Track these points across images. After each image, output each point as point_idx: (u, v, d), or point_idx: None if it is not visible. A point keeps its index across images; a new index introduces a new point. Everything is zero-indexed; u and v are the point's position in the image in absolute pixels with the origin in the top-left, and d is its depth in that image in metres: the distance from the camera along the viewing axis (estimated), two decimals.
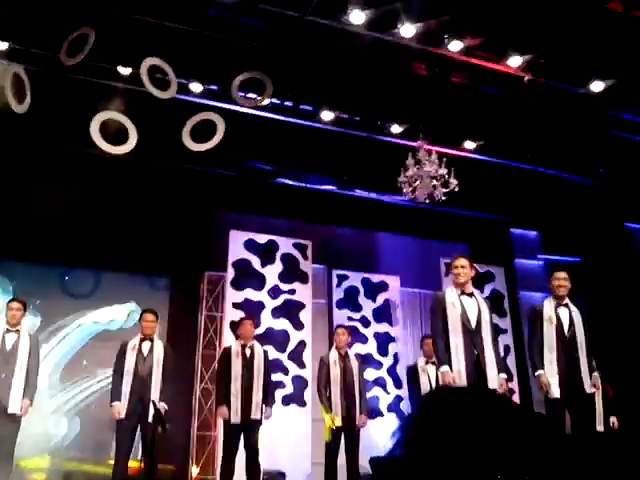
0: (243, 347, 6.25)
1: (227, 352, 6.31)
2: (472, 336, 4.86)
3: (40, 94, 5.84)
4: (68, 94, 6.49)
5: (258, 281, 8.13)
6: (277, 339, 7.91)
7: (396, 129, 7.86)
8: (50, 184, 7.53)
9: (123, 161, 7.05)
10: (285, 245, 8.38)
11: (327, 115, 7.56)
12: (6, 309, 5.84)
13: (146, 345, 5.91)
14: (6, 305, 5.90)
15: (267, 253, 8.21)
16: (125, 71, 6.69)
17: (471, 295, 5.03)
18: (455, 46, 6.58)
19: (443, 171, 6.90)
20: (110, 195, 7.78)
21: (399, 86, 7.29)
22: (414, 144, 7.19)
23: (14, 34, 6.05)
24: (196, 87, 7.03)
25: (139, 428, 5.70)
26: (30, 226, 7.32)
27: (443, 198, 6.90)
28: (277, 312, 8.10)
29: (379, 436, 7.41)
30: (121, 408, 5.64)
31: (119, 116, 5.87)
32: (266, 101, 6.88)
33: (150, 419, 5.38)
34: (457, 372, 4.72)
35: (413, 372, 6.85)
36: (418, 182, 6.92)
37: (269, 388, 6.29)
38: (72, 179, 7.44)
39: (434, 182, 6.93)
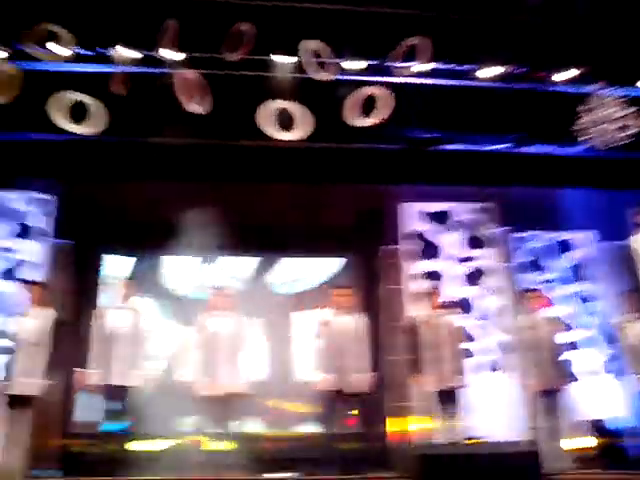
0: (430, 317, 6.28)
1: (414, 322, 6.37)
2: None
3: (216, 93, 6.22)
4: (237, 89, 6.86)
5: (437, 251, 8.07)
6: (466, 306, 7.80)
7: (564, 76, 7.37)
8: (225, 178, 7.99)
9: (288, 149, 7.27)
10: (463, 211, 8.22)
11: (489, 72, 7.26)
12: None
13: (340, 319, 6.11)
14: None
15: (443, 221, 8.13)
16: (284, 59, 6.94)
17: None
18: None
19: (623, 113, 6.40)
20: (282, 182, 8.10)
21: (563, 30, 6.86)
22: (588, 90, 6.74)
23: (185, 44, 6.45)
24: (353, 65, 7.09)
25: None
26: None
27: (626, 141, 6.40)
28: (463, 280, 7.99)
29: (578, 400, 7.07)
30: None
31: (288, 104, 6.08)
32: (427, 66, 6.77)
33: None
34: None
35: (616, 329, 6.48)
36: (596, 128, 6.48)
37: (461, 356, 6.27)
38: (250, 172, 7.83)
39: (613, 126, 6.46)
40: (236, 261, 8.22)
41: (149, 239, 8.16)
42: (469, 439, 6.04)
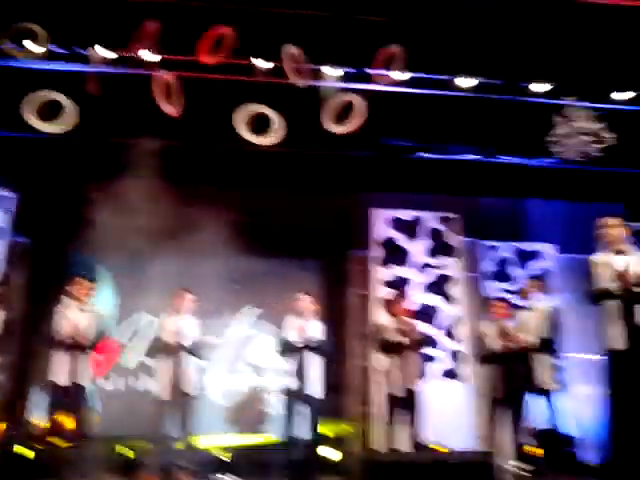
0: (394, 323, 6.38)
1: (378, 328, 6.43)
2: None
3: (191, 97, 6.16)
4: (213, 93, 6.80)
5: (405, 258, 8.13)
6: (430, 314, 7.88)
7: (539, 88, 7.45)
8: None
9: (264, 153, 7.22)
10: (431, 220, 8.31)
11: (464, 82, 7.32)
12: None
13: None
14: None
15: (412, 229, 8.18)
16: (262, 64, 6.91)
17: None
18: None
19: (595, 126, 6.50)
20: (260, 186, 8.05)
21: (538, 43, 6.94)
22: (560, 102, 6.84)
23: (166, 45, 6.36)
24: (330, 71, 7.10)
25: None
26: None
27: (597, 154, 6.51)
28: (427, 288, 8.06)
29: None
30: None
31: (264, 108, 6.05)
32: (405, 75, 6.79)
33: None
34: None
35: None
36: (569, 140, 6.58)
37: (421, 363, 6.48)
38: (224, 176, 7.77)
39: (586, 138, 6.56)
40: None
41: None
42: (424, 447, 6.06)
